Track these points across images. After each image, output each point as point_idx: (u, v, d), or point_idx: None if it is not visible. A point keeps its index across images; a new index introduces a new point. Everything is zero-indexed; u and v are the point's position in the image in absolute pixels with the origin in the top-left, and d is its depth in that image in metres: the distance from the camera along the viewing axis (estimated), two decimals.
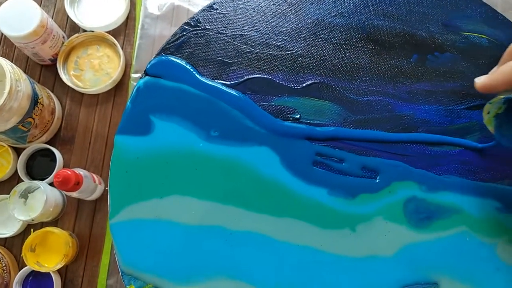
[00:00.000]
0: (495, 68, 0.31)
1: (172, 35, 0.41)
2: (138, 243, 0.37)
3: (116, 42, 0.62)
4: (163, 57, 0.40)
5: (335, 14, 0.42)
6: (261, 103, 0.40)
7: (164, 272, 0.37)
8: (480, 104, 0.41)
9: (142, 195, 0.38)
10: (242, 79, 0.40)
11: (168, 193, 0.38)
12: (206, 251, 0.37)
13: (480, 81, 0.30)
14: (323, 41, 0.42)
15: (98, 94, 0.62)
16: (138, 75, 0.61)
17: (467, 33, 0.43)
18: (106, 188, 0.61)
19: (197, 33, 0.41)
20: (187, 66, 0.40)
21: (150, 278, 0.37)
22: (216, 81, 0.40)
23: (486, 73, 0.42)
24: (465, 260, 0.38)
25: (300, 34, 0.42)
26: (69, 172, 0.51)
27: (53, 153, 0.59)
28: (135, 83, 0.60)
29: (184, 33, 0.41)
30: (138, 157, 0.38)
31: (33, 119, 0.55)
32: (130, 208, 0.38)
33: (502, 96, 0.30)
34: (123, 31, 0.64)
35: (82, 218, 0.60)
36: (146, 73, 0.40)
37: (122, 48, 0.63)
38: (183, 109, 0.39)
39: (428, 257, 0.38)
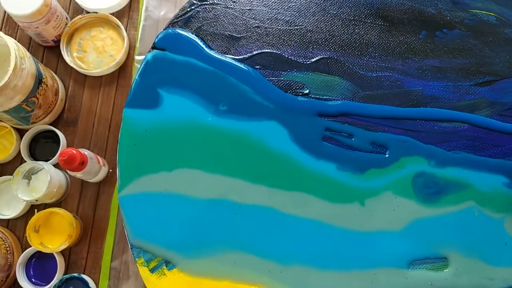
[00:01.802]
0: None
1: (180, 9, 0.40)
2: (147, 216, 0.37)
3: (120, 24, 0.61)
4: (171, 31, 0.39)
5: None
6: (270, 78, 0.40)
7: (173, 245, 0.37)
8: (489, 81, 0.41)
9: (151, 168, 0.37)
10: (251, 54, 0.40)
11: (176, 166, 0.37)
12: (214, 224, 0.37)
13: None
14: (332, 16, 0.41)
15: (101, 76, 0.62)
16: (142, 57, 0.61)
17: (476, 11, 0.43)
18: (110, 170, 0.60)
19: (206, 8, 0.41)
20: (197, 40, 0.39)
21: (160, 251, 0.37)
22: (225, 55, 0.40)
23: (494, 50, 0.42)
24: (473, 235, 0.38)
25: (309, 9, 0.41)
26: (74, 152, 0.51)
27: (56, 135, 0.59)
28: (139, 65, 0.60)
29: (193, 7, 0.40)
30: (146, 130, 0.38)
31: (37, 98, 0.54)
32: (139, 181, 0.37)
33: None
34: (127, 13, 0.64)
35: (85, 200, 0.59)
36: (154, 47, 0.39)
37: (126, 30, 0.63)
38: (192, 83, 0.39)
39: (436, 232, 0.38)
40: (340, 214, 0.37)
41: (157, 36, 0.40)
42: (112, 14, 0.63)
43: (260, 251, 0.37)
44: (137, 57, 0.62)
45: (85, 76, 0.62)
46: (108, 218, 0.59)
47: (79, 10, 0.64)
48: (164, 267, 0.36)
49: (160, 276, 0.36)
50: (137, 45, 0.62)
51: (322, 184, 0.38)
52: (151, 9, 0.62)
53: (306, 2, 0.42)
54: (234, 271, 0.36)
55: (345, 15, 0.41)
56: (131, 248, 0.36)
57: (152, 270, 0.36)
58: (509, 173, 0.39)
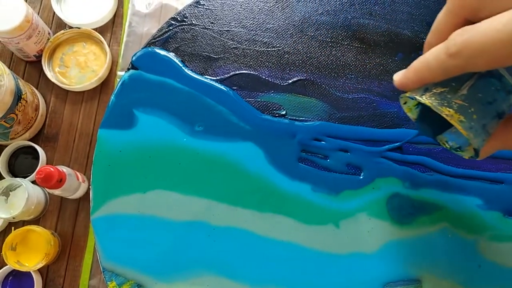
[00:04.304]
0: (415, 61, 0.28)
1: (158, 30, 0.40)
2: (120, 239, 0.37)
3: (102, 39, 0.61)
4: (149, 49, 0.40)
5: (321, 12, 0.42)
6: (247, 99, 0.40)
7: (146, 268, 0.36)
8: None
9: (125, 189, 0.37)
10: (228, 75, 0.40)
11: (151, 187, 0.37)
12: (188, 247, 0.37)
13: (396, 78, 0.28)
14: (309, 38, 0.42)
15: (83, 92, 0.62)
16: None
17: None
18: (90, 187, 0.60)
19: (184, 28, 0.41)
20: (175, 59, 0.40)
21: (132, 274, 0.36)
22: (202, 76, 0.40)
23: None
24: (447, 257, 0.38)
25: (287, 31, 0.42)
26: (51, 169, 0.50)
27: (36, 151, 0.58)
28: None
29: (171, 27, 0.41)
30: (120, 151, 0.38)
31: (16, 115, 0.54)
32: (112, 203, 0.37)
33: (409, 95, 0.28)
34: (110, 29, 0.64)
35: (65, 217, 0.59)
36: (132, 65, 0.39)
37: (108, 46, 0.63)
38: (168, 103, 0.39)
39: (410, 254, 0.38)
40: (315, 236, 0.37)
41: (135, 54, 0.40)
42: (95, 29, 0.63)
43: (233, 274, 0.36)
44: (119, 73, 0.62)
45: (67, 91, 0.62)
46: (87, 235, 0.58)
47: (61, 25, 0.64)
48: None
49: None
50: (120, 60, 0.62)
51: (297, 205, 0.38)
52: (135, 25, 0.62)
53: (284, 24, 0.42)
54: None
55: (322, 37, 0.42)
56: (103, 272, 0.36)
57: None
58: (483, 195, 0.39)
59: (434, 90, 0.26)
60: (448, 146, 0.32)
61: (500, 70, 0.26)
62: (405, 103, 0.32)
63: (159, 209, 0.37)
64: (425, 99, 0.26)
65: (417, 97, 0.27)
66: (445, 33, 0.25)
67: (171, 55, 0.40)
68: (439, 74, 0.25)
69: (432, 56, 0.25)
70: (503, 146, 0.27)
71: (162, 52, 0.40)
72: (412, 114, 0.33)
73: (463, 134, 0.26)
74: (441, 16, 0.26)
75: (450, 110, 0.25)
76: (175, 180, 0.37)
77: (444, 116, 0.26)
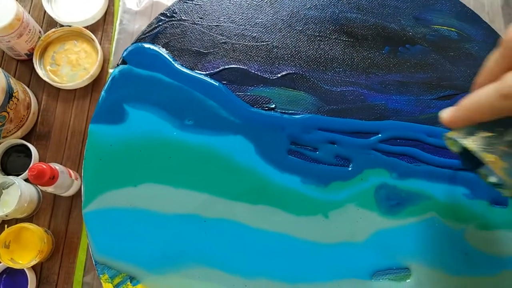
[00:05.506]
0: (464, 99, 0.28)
1: (148, 25, 0.41)
2: (112, 232, 0.37)
3: (94, 37, 0.61)
4: (139, 45, 0.40)
5: (309, 7, 0.43)
6: (237, 93, 0.40)
7: (138, 261, 0.37)
8: (450, 95, 0.43)
9: (116, 183, 0.38)
10: (218, 69, 0.41)
11: (142, 181, 0.38)
12: (179, 239, 0.37)
13: (444, 115, 0.29)
14: (297, 32, 0.42)
15: (75, 90, 0.62)
16: None
17: (437, 26, 0.45)
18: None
19: (173, 24, 0.41)
20: (165, 54, 0.40)
21: (124, 267, 0.37)
22: (192, 70, 0.40)
23: (455, 65, 0.43)
24: (435, 246, 0.39)
25: (276, 26, 0.42)
26: (44, 166, 0.51)
27: (28, 149, 0.58)
28: None
29: (160, 23, 0.41)
30: (111, 145, 0.38)
31: (8, 113, 0.54)
32: (104, 197, 0.37)
33: (455, 137, 0.28)
34: (101, 27, 0.64)
35: (58, 215, 0.59)
36: (122, 60, 0.40)
37: (100, 44, 0.63)
38: (158, 97, 0.39)
39: (399, 243, 0.38)
40: (304, 226, 0.38)
41: (126, 49, 0.40)
42: (86, 27, 0.63)
43: (224, 265, 0.37)
44: (111, 70, 0.62)
45: (59, 89, 0.62)
46: (81, 232, 0.58)
47: (52, 23, 0.64)
48: (129, 283, 0.36)
49: None
50: (111, 58, 0.63)
51: (287, 197, 0.38)
52: (126, 23, 0.62)
53: (272, 19, 0.42)
54: (198, 285, 0.36)
55: (310, 31, 0.42)
56: (95, 265, 0.36)
57: (116, 286, 0.36)
58: (470, 185, 0.40)
59: (480, 134, 0.26)
60: (489, 182, 0.32)
61: None
62: (449, 138, 0.32)
63: (151, 202, 0.37)
64: (470, 144, 0.26)
65: (462, 141, 0.27)
66: (496, 74, 0.25)
67: (161, 51, 0.40)
68: (489, 114, 0.25)
69: (484, 96, 0.25)
70: None
71: (152, 47, 0.40)
72: (455, 148, 0.32)
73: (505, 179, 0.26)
74: (493, 58, 0.27)
75: (495, 157, 0.26)
76: (166, 173, 0.38)
77: (486, 162, 0.26)
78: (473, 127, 0.27)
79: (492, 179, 0.31)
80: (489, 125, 0.26)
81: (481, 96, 0.25)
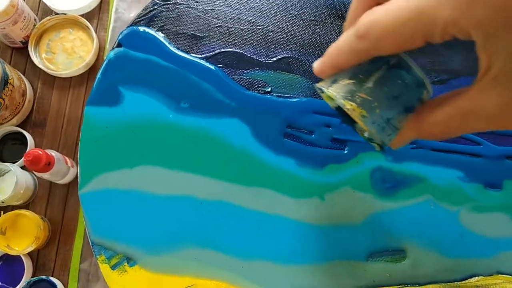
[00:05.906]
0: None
1: (143, 9, 0.41)
2: (108, 213, 0.37)
3: (89, 25, 0.61)
4: (135, 28, 0.40)
5: None
6: (233, 76, 0.40)
7: (135, 242, 0.37)
8: (444, 79, 0.43)
9: (112, 164, 0.38)
10: (213, 53, 0.41)
11: (138, 163, 0.38)
12: (176, 221, 0.37)
13: (314, 65, 0.27)
14: (293, 17, 0.42)
15: (70, 78, 0.62)
16: None
17: None
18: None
19: (168, 7, 0.41)
20: (160, 38, 0.40)
21: (121, 247, 0.37)
22: (188, 54, 0.40)
23: (449, 49, 0.43)
24: (430, 228, 0.39)
25: (271, 10, 0.42)
26: (40, 152, 0.51)
27: (24, 137, 0.58)
28: None
29: (155, 7, 0.41)
30: (107, 127, 0.38)
31: (3, 99, 0.54)
32: (100, 178, 0.37)
33: (319, 86, 0.27)
34: (97, 15, 0.64)
35: (54, 202, 0.59)
36: (118, 44, 0.40)
37: (95, 32, 0.63)
38: (153, 80, 0.39)
39: (394, 225, 0.39)
40: (300, 208, 0.38)
41: (121, 33, 0.40)
42: (82, 15, 0.63)
43: (221, 247, 0.37)
44: None
45: (54, 77, 0.62)
46: (77, 219, 0.58)
47: (48, 11, 0.64)
48: (126, 264, 0.37)
49: (121, 273, 0.37)
50: (107, 46, 0.63)
51: (283, 179, 0.38)
52: (121, 11, 0.62)
53: (268, 3, 0.42)
54: (195, 267, 0.37)
55: (306, 16, 0.42)
56: (92, 246, 0.36)
57: (113, 267, 0.37)
58: (463, 167, 0.40)
59: (341, 82, 0.25)
60: (364, 136, 0.30)
61: (409, 61, 0.25)
62: (322, 92, 0.29)
63: (147, 183, 0.38)
64: (331, 91, 0.25)
65: (324, 89, 0.26)
66: (358, 17, 0.23)
67: (157, 34, 0.40)
68: (351, 58, 0.24)
69: (343, 39, 0.24)
70: (417, 136, 0.26)
71: (148, 30, 0.40)
72: (332, 103, 0.30)
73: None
74: (353, 2, 0.26)
75: (353, 104, 0.24)
76: (162, 155, 0.38)
77: (346, 110, 0.24)
78: (337, 74, 0.25)
79: (366, 134, 0.30)
80: (353, 72, 0.25)
81: (341, 41, 0.24)
